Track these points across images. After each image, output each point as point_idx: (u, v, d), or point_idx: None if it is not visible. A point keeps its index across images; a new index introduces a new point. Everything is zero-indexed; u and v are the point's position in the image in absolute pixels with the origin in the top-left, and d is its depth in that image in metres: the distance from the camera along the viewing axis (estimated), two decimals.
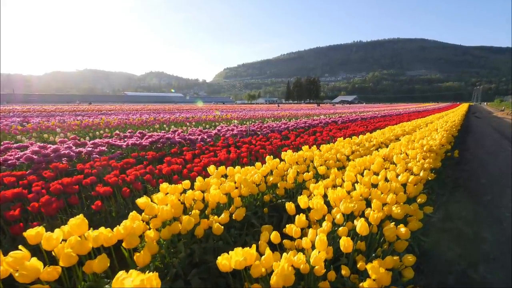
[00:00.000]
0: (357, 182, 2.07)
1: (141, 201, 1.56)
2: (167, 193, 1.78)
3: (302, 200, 1.57)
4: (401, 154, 3.16)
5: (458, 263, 2.08)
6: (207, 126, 7.18)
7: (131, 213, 1.44)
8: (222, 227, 1.47)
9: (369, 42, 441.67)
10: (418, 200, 1.87)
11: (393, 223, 1.41)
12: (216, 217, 1.57)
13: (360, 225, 1.28)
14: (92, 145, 3.62)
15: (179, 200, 1.78)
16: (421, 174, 2.27)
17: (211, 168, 2.20)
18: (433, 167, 2.99)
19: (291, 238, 1.48)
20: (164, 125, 7.27)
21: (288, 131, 5.84)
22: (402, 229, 1.33)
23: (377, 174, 2.27)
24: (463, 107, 27.04)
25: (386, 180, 2.08)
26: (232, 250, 1.83)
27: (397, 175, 2.18)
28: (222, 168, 2.21)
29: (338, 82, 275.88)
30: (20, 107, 20.95)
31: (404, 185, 2.10)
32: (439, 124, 6.71)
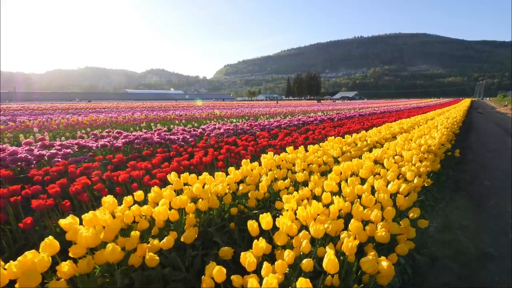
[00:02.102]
0: (340, 192, 1.78)
1: (65, 222, 1.27)
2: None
3: (264, 220, 1.27)
4: (395, 155, 2.85)
5: (457, 286, 1.78)
6: (195, 124, 6.87)
7: (45, 239, 1.14)
8: (157, 258, 1.17)
9: (370, 37, 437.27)
10: (411, 215, 1.57)
11: (373, 253, 1.10)
12: (156, 241, 1.27)
13: (327, 260, 0.97)
14: (59, 147, 3.32)
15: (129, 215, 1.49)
16: (416, 181, 1.96)
17: (171, 176, 1.90)
18: (431, 170, 2.68)
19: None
20: (152, 124, 6.97)
21: (279, 129, 5.52)
22: (384, 263, 1.02)
23: (365, 181, 1.97)
24: (465, 102, 26.57)
25: (374, 189, 1.77)
26: (185, 276, 1.55)
27: (388, 183, 1.88)
28: (185, 175, 1.91)
29: (339, 78, 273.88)
30: (16, 105, 20.70)
31: (396, 194, 1.80)
32: (439, 120, 6.37)
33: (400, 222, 1.51)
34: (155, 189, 1.75)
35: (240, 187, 1.92)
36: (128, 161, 2.83)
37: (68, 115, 10.66)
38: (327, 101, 50.77)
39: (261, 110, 13.38)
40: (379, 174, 2.15)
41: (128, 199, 1.62)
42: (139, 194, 1.71)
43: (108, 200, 1.48)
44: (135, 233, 1.33)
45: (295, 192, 1.69)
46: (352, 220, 1.25)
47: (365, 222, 1.45)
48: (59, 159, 2.88)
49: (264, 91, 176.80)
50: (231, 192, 2.00)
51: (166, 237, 1.27)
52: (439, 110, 12.33)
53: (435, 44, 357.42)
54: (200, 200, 1.60)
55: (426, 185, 2.21)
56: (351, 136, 3.88)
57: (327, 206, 1.57)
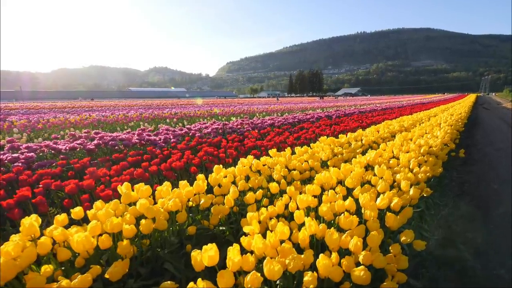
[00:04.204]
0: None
1: None
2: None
3: (207, 254, 0.97)
4: (392, 158, 2.53)
5: None
6: (186, 123, 6.59)
7: None
8: None
9: (373, 33, 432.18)
10: (402, 238, 1.26)
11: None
12: (66, 281, 0.98)
13: None
14: (26, 150, 3.06)
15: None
16: (412, 192, 1.65)
17: (122, 187, 1.62)
18: (431, 176, 2.37)
19: None
20: (141, 123, 6.70)
21: (272, 128, 5.22)
22: None
23: (348, 194, 1.66)
24: (470, 98, 25.98)
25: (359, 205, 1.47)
26: None
27: (378, 195, 1.57)
28: (138, 186, 1.62)
29: (342, 74, 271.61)
30: (15, 104, 20.59)
31: (387, 210, 1.49)
32: (443, 117, 6.02)
33: (390, 249, 1.21)
34: (97, 204, 1.47)
35: (202, 200, 1.62)
36: (92, 166, 2.55)
37: (62, 114, 10.44)
38: (329, 98, 50.17)
39: (259, 108, 13.05)
40: (370, 182, 1.85)
41: (60, 218, 1.34)
42: (77, 211, 1.43)
43: (26, 222, 1.19)
44: (46, 268, 1.04)
45: (262, 209, 1.39)
46: (320, 257, 0.95)
47: (344, 251, 1.15)
48: (18, 164, 2.61)
49: (267, 88, 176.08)
50: (194, 205, 1.72)
51: (80, 276, 0.97)
52: (443, 106, 11.91)
53: (439, 39, 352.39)
54: (143, 221, 1.30)
55: (425, 195, 1.90)
56: (346, 135, 3.57)
57: (299, 228, 1.27)
